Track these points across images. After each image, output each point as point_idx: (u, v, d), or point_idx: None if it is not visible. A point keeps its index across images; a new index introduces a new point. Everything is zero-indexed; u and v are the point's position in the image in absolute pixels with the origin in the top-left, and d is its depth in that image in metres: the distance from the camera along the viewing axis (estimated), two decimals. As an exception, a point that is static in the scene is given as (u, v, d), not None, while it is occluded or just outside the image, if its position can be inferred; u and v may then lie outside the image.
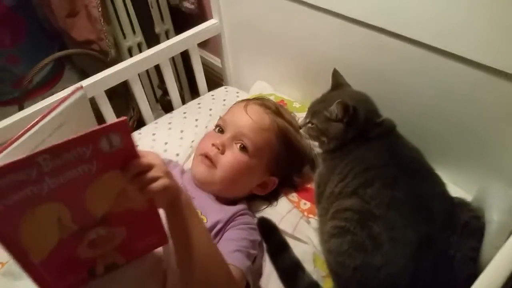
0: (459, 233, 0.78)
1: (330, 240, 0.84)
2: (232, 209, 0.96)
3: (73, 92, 0.77)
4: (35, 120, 0.69)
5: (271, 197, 1.07)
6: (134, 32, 1.76)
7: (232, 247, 0.85)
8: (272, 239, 0.95)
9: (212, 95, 1.51)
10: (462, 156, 1.01)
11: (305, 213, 1.03)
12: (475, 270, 0.74)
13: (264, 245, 0.96)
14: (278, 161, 1.05)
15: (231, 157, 0.99)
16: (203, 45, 1.48)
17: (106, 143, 0.54)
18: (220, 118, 1.09)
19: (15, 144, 0.65)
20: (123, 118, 0.55)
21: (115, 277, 0.74)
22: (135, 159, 0.60)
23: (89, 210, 0.61)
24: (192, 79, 1.68)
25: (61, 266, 0.66)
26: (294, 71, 1.28)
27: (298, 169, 1.12)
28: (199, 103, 1.49)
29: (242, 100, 1.13)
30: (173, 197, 0.68)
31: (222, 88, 1.58)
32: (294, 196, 1.08)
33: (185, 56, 1.66)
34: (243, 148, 0.99)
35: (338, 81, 0.99)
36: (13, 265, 0.81)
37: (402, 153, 0.88)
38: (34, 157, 0.51)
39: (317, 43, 1.19)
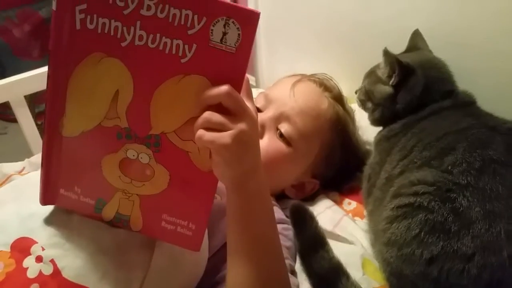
0: None
1: (391, 226, 0.60)
2: None
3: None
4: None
5: (306, 199, 0.83)
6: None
7: None
8: (305, 232, 0.70)
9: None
10: None
11: (350, 214, 0.78)
12: None
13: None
14: (328, 163, 0.81)
15: (268, 143, 0.76)
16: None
17: (220, 30, 0.42)
18: (261, 93, 0.84)
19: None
20: (257, 11, 0.42)
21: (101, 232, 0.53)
22: (229, 86, 0.43)
23: (150, 114, 0.46)
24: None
25: (77, 168, 0.51)
26: (337, 57, 1.06)
27: (350, 175, 0.85)
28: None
29: (295, 75, 0.87)
30: (235, 173, 0.47)
31: (254, 90, 1.37)
32: (335, 195, 0.84)
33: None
34: (284, 136, 0.77)
35: (414, 44, 0.79)
36: None
37: (491, 116, 0.65)
38: None
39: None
